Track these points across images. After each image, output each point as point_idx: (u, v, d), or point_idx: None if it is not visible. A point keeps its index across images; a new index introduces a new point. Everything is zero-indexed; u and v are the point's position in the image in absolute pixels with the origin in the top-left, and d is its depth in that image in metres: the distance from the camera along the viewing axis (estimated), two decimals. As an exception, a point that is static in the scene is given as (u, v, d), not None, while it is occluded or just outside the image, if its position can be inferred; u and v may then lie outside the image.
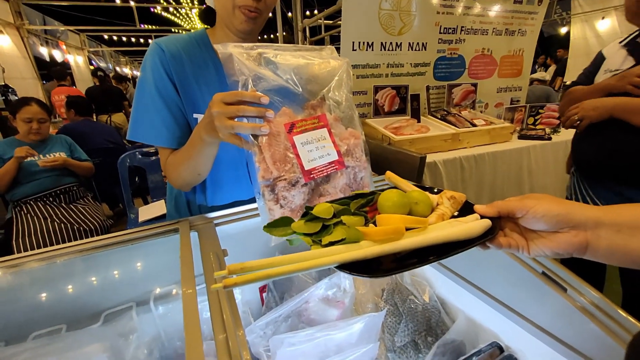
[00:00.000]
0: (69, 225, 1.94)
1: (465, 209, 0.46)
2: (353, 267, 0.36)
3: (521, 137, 2.10)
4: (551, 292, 0.58)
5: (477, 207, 0.44)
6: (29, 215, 1.89)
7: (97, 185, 2.54)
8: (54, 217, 1.94)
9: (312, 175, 0.55)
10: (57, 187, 2.04)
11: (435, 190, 0.50)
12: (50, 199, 2.01)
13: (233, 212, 0.79)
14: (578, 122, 1.16)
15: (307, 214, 0.43)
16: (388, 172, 0.56)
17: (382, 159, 1.67)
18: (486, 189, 1.89)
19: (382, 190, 0.48)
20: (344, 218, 0.43)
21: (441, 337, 0.71)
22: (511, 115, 2.29)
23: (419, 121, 1.99)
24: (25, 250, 1.73)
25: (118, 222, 2.94)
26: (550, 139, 2.03)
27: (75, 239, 1.96)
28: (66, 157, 2.09)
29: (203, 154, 0.67)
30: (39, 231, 1.84)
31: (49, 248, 0.70)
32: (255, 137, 0.54)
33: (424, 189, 0.50)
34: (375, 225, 0.42)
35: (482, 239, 0.39)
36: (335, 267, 0.35)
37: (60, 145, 2.16)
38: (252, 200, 0.87)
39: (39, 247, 1.81)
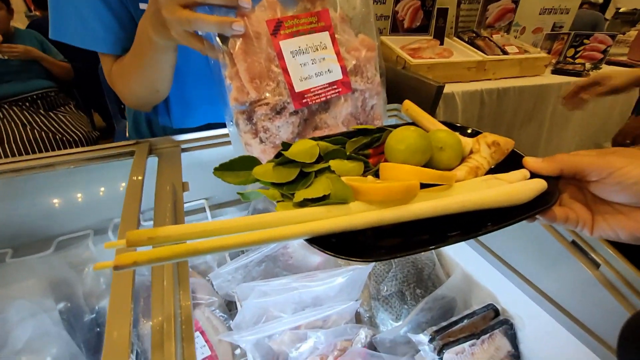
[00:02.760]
0: (50, 134, 1.82)
1: (509, 162, 0.32)
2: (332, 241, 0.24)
3: (555, 71, 1.83)
4: (574, 262, 0.49)
5: (527, 159, 0.30)
6: (5, 120, 1.76)
7: (80, 94, 2.32)
8: (34, 124, 1.81)
9: (305, 100, 0.39)
10: (32, 91, 1.86)
11: (470, 132, 0.35)
12: (27, 104, 1.86)
13: (207, 135, 0.65)
14: None
15: (280, 155, 0.30)
16: (407, 102, 0.40)
17: (392, 85, 1.44)
18: (503, 129, 1.71)
19: (395, 127, 0.34)
20: (333, 163, 0.29)
21: (432, 290, 0.65)
22: (550, 44, 1.96)
23: (441, 43, 1.70)
24: (6, 157, 1.65)
25: (108, 134, 2.81)
26: (588, 75, 1.77)
27: (59, 150, 1.85)
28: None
29: (156, 62, 0.49)
30: (19, 138, 1.74)
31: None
32: (225, 39, 0.37)
33: (454, 128, 0.35)
34: (378, 177, 0.29)
35: (532, 211, 0.26)
36: (306, 241, 0.23)
37: (29, 42, 1.90)
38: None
39: (20, 155, 1.72)
